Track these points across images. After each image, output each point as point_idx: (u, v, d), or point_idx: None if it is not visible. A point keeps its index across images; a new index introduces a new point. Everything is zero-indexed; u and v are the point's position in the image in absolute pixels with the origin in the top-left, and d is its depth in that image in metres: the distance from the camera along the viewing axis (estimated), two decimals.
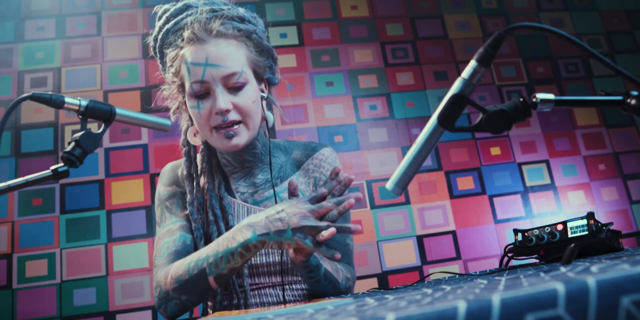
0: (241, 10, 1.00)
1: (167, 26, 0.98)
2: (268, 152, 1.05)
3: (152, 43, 1.03)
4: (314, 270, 0.86)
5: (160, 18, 1.01)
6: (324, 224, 0.79)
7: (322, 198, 0.84)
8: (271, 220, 0.80)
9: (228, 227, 1.00)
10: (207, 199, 1.01)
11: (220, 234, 0.99)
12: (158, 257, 0.94)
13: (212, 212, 1.00)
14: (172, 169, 1.09)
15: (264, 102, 1.01)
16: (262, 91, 1.02)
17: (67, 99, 0.79)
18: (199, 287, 0.84)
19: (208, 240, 1.01)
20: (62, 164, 0.78)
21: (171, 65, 0.98)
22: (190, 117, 1.03)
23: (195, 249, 0.99)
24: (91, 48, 2.19)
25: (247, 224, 0.81)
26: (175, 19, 0.97)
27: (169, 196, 1.04)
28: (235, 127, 0.93)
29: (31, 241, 1.90)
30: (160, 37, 1.00)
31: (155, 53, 1.04)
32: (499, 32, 0.64)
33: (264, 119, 1.01)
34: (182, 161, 1.08)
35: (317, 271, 0.88)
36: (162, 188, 1.06)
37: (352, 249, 1.07)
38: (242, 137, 0.95)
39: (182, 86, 0.98)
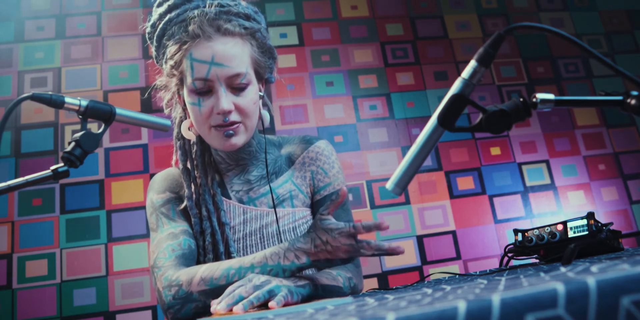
0: (244, 4, 0.98)
1: (169, 15, 0.94)
2: (264, 149, 1.04)
3: (148, 29, 0.99)
4: (312, 296, 0.85)
5: (161, 4, 0.97)
6: (367, 253, 0.80)
7: (354, 234, 0.83)
8: (320, 251, 0.81)
9: (220, 223, 0.99)
10: (201, 194, 1.00)
11: (213, 230, 0.98)
12: (163, 258, 0.91)
13: (205, 208, 0.99)
14: (163, 177, 1.06)
15: (260, 101, 1.01)
16: (260, 90, 1.01)
17: (67, 99, 0.79)
18: None
19: (202, 235, 1.00)
20: (62, 164, 0.78)
21: (171, 58, 0.95)
22: (184, 110, 1.01)
23: (198, 246, 0.98)
24: (91, 48, 2.19)
25: (298, 248, 0.81)
26: (179, 10, 0.94)
27: (164, 202, 1.01)
28: (235, 126, 0.93)
29: (31, 241, 1.90)
30: (161, 25, 0.96)
31: (151, 41, 1.00)
32: (499, 32, 0.64)
33: (260, 118, 1.00)
34: (170, 170, 1.07)
35: (315, 294, 0.85)
36: (155, 196, 1.03)
37: None
38: (240, 137, 0.94)
39: (180, 80, 0.96)
